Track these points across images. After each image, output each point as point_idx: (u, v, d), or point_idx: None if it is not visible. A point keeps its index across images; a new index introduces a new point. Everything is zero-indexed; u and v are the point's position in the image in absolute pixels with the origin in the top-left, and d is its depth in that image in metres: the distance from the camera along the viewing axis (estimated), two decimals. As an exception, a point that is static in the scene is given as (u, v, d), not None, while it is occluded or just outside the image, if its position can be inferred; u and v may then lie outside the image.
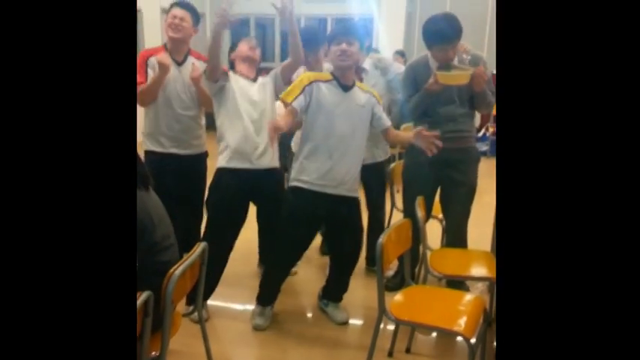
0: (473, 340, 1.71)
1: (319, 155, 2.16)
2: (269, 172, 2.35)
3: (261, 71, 2.52)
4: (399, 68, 2.90)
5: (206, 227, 2.40)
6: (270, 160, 2.35)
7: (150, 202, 1.68)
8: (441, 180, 2.54)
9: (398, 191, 3.73)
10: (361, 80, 2.60)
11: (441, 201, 2.63)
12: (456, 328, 1.72)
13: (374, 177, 2.80)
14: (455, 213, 2.59)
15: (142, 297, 1.40)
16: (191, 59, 2.64)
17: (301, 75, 2.27)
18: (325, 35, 2.47)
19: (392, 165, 2.94)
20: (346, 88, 2.18)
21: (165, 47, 2.62)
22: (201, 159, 2.76)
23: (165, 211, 1.76)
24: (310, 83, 2.14)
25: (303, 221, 2.26)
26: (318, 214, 2.24)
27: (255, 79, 2.41)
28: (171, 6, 2.60)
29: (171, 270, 1.52)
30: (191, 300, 2.25)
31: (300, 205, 2.22)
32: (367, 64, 2.70)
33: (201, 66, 2.58)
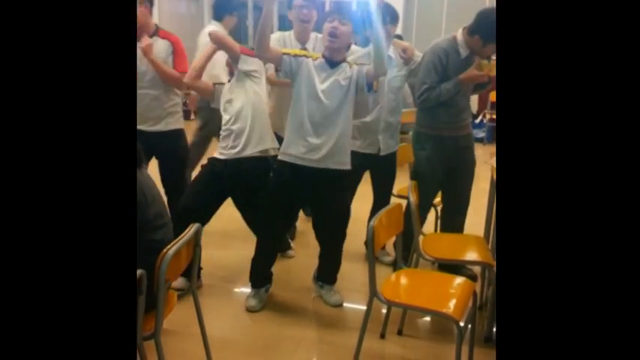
0: (461, 323, 1.75)
1: (306, 129, 2.19)
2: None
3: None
4: (419, 56, 2.87)
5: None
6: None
7: (143, 180, 1.70)
8: (450, 167, 2.58)
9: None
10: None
11: (447, 187, 2.66)
12: (445, 310, 1.75)
13: (388, 167, 2.83)
14: (461, 198, 2.69)
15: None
16: (157, 39, 2.67)
17: (295, 50, 2.35)
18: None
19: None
20: (333, 64, 2.21)
21: None
22: (169, 136, 2.78)
23: (158, 191, 1.78)
24: (302, 57, 2.22)
25: (289, 195, 2.29)
26: (303, 187, 2.26)
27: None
28: None
29: (165, 249, 1.54)
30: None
31: (286, 179, 2.26)
32: (391, 51, 2.66)
33: (164, 45, 2.68)
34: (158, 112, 2.73)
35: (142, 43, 2.55)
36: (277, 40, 2.76)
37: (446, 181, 2.65)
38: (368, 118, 2.66)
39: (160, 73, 2.65)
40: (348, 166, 2.30)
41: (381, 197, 2.89)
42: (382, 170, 2.83)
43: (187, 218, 1.99)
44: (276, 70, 2.49)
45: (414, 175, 2.65)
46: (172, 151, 2.82)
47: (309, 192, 2.29)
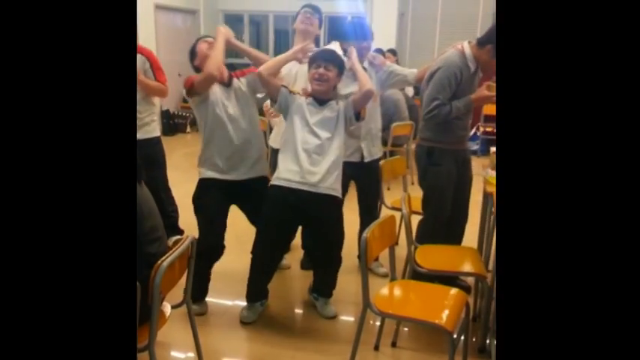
0: (454, 334, 1.76)
1: (300, 157, 2.26)
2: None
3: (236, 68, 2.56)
4: (391, 65, 2.93)
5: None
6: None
7: (141, 193, 1.71)
8: (456, 181, 2.62)
9: (388, 188, 3.77)
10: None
11: (455, 200, 2.66)
12: (437, 321, 1.76)
13: (371, 174, 2.85)
14: (462, 209, 2.71)
15: (129, 288, 1.43)
16: None
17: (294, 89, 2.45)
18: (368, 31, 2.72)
19: (381, 163, 2.98)
20: (322, 102, 2.34)
21: None
22: (148, 144, 2.94)
23: (154, 204, 1.79)
24: (297, 94, 2.37)
25: (283, 219, 2.33)
26: (297, 211, 2.30)
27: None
28: None
29: (159, 261, 1.55)
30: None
31: (280, 203, 2.29)
32: (366, 63, 2.73)
33: (138, 60, 2.82)
34: (138, 122, 2.89)
35: None
36: (289, 68, 2.69)
37: (454, 193, 2.68)
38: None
39: (146, 88, 2.84)
40: (339, 194, 2.36)
41: (368, 206, 2.91)
42: (367, 178, 2.85)
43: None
44: (272, 101, 2.51)
45: (428, 190, 2.64)
46: (149, 159, 2.92)
47: (303, 215, 2.33)
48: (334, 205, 2.36)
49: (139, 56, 2.83)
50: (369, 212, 2.90)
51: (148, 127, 2.97)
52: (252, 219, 2.56)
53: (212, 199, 2.41)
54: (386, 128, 4.46)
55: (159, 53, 7.01)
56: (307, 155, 2.26)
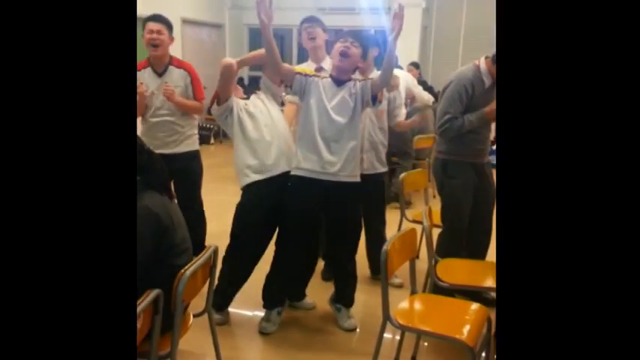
0: (475, 349, 1.74)
1: (318, 145, 2.25)
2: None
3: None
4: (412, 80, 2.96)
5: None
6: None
7: (171, 206, 1.74)
8: (475, 194, 2.61)
9: (410, 203, 3.73)
10: None
11: (472, 213, 2.65)
12: (458, 336, 1.74)
13: (373, 188, 2.83)
14: (486, 223, 2.70)
15: (151, 295, 1.46)
16: (172, 69, 2.85)
17: (304, 69, 2.44)
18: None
19: (401, 175, 2.98)
20: (340, 83, 2.29)
21: (148, 60, 2.83)
22: (186, 157, 2.93)
23: (182, 218, 1.82)
24: (314, 76, 2.31)
25: (306, 209, 2.33)
26: (318, 200, 2.31)
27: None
28: (146, 20, 2.77)
29: (182, 270, 1.58)
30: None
31: (302, 192, 2.30)
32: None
33: (181, 75, 2.83)
34: (176, 137, 2.89)
35: (167, 92, 2.74)
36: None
37: (478, 207, 2.67)
38: None
39: (185, 109, 2.85)
40: (358, 179, 2.36)
41: (372, 221, 2.88)
42: (368, 191, 2.71)
43: None
44: (286, 87, 2.55)
45: (445, 203, 2.64)
46: (187, 171, 2.94)
47: (324, 204, 2.33)
48: (353, 193, 2.36)
49: (181, 71, 2.87)
50: (371, 224, 2.88)
51: (189, 140, 2.96)
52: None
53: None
54: (409, 141, 4.46)
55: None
56: (326, 144, 2.25)
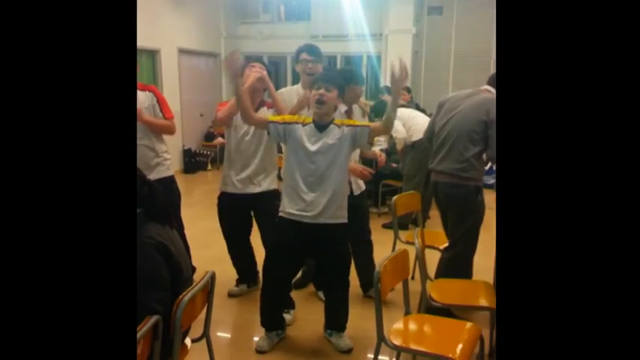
0: (468, 367, 1.77)
1: (300, 189, 2.34)
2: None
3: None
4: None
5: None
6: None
7: (173, 235, 1.78)
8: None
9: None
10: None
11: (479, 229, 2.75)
12: (451, 355, 1.78)
13: (350, 209, 2.84)
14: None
15: (150, 321, 1.50)
16: (137, 92, 2.79)
17: (291, 115, 2.54)
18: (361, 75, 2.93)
19: (394, 198, 3.04)
20: (322, 128, 2.35)
21: None
22: (164, 183, 2.85)
23: (183, 246, 1.84)
24: (291, 123, 2.38)
25: (289, 249, 2.43)
26: (302, 242, 2.40)
27: None
28: None
29: (180, 296, 1.63)
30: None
31: (286, 234, 2.40)
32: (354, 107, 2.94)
33: (146, 96, 2.83)
34: (153, 162, 2.89)
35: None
36: (287, 93, 2.98)
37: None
38: None
39: (155, 127, 2.83)
40: (344, 220, 2.42)
41: (358, 237, 2.95)
42: (353, 210, 2.78)
43: None
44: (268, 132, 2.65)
45: (473, 226, 2.72)
46: (170, 194, 2.89)
47: (310, 244, 2.43)
48: (337, 232, 2.41)
49: (146, 93, 2.83)
50: (354, 244, 2.92)
51: (162, 166, 2.94)
52: None
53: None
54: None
55: (182, 94, 7.31)
56: (308, 188, 2.33)
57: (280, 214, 2.43)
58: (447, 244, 2.86)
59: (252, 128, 2.75)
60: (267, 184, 2.87)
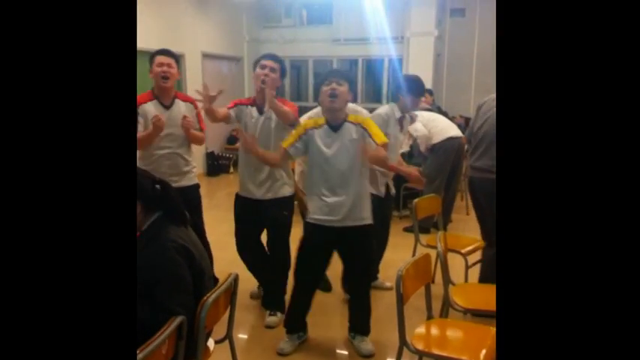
0: (491, 373, 1.76)
1: (324, 194, 2.36)
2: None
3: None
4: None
5: None
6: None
7: (191, 236, 1.80)
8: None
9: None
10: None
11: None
12: (474, 360, 1.77)
13: (388, 209, 3.02)
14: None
15: (175, 321, 1.53)
16: (178, 102, 2.92)
17: (301, 123, 2.49)
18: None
19: (415, 201, 3.03)
20: (336, 127, 2.35)
21: (152, 92, 2.87)
22: (191, 190, 2.99)
23: (202, 247, 1.85)
24: (306, 132, 2.38)
25: (317, 254, 2.47)
26: (328, 246, 2.44)
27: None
28: (156, 54, 2.85)
29: (205, 297, 1.66)
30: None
31: (313, 240, 2.43)
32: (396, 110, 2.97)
33: (188, 107, 2.93)
34: (184, 169, 2.98)
35: (185, 123, 2.84)
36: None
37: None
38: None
39: (193, 138, 2.95)
40: (369, 221, 2.43)
41: (382, 238, 3.05)
42: (387, 211, 2.97)
43: None
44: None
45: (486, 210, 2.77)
46: (192, 204, 2.95)
47: (335, 247, 2.47)
48: (363, 233, 2.43)
49: (187, 104, 2.96)
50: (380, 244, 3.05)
51: (191, 173, 3.04)
52: None
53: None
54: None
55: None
56: (330, 192, 2.34)
57: (307, 219, 2.45)
58: (477, 244, 2.94)
59: (260, 131, 2.69)
60: (276, 190, 2.76)
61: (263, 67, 2.61)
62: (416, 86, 2.95)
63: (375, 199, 2.76)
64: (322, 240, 2.42)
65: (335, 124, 2.36)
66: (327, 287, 3.22)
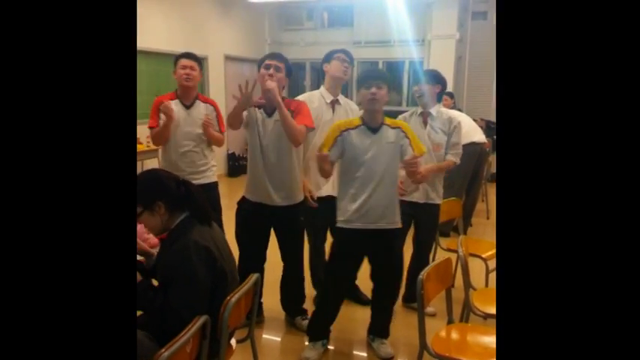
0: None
1: (358, 196, 2.33)
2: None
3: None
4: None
5: None
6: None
7: (217, 237, 1.81)
8: None
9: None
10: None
11: None
12: (494, 366, 1.76)
13: (425, 217, 2.90)
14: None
15: (199, 321, 1.56)
16: (199, 103, 3.05)
17: (333, 125, 2.44)
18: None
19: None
20: (375, 130, 2.34)
21: (175, 93, 3.03)
22: (210, 188, 3.07)
23: (228, 246, 1.88)
24: (341, 133, 2.34)
25: (348, 259, 2.44)
26: (361, 250, 2.42)
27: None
28: (180, 57, 2.99)
29: (228, 297, 1.69)
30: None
31: (345, 244, 2.41)
32: (435, 109, 2.89)
33: (207, 109, 3.04)
34: (203, 167, 3.08)
35: (206, 123, 2.96)
36: (307, 99, 2.83)
37: None
38: None
39: (213, 139, 3.05)
40: (399, 225, 2.43)
41: (420, 249, 2.97)
42: (420, 220, 2.90)
43: None
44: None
45: None
46: (210, 202, 2.98)
47: (367, 249, 2.44)
48: (394, 236, 2.43)
49: (207, 105, 3.08)
50: (418, 252, 2.97)
51: (210, 172, 3.13)
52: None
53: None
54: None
55: (228, 100, 7.50)
56: (366, 194, 2.31)
57: (338, 224, 2.41)
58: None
59: (270, 134, 2.53)
60: (293, 195, 2.59)
61: (267, 66, 2.55)
62: (431, 75, 2.87)
63: None
64: (355, 244, 2.39)
65: (374, 126, 2.34)
66: (361, 299, 3.06)
